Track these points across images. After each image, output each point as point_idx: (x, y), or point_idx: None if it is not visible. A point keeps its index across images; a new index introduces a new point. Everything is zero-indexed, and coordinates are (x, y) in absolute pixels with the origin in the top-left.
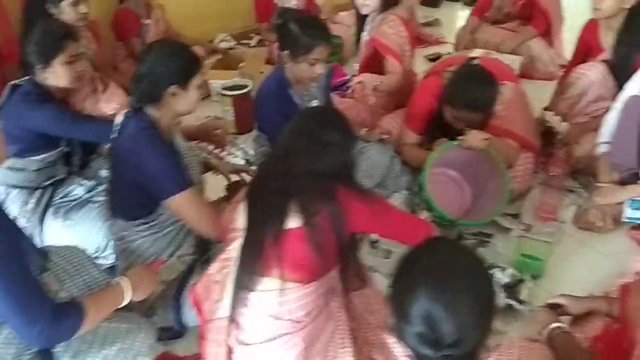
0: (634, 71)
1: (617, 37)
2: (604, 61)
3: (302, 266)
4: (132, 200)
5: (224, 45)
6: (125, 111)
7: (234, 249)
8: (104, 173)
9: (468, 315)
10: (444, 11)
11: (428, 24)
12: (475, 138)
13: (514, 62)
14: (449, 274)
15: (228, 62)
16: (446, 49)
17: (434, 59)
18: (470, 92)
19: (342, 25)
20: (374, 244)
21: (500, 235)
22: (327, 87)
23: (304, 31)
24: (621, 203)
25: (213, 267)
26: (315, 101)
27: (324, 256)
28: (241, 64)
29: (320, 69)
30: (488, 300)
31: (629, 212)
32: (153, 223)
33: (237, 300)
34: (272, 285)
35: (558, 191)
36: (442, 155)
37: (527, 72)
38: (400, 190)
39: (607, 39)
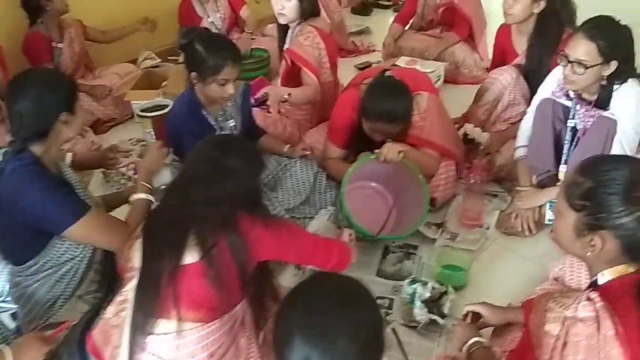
0: (547, 75)
1: (529, 42)
2: (518, 65)
3: (202, 304)
4: (19, 243)
5: (148, 63)
6: (2, 151)
7: (130, 290)
8: None
9: (350, 357)
10: (375, 19)
11: (359, 33)
12: (390, 151)
13: (438, 68)
14: (326, 317)
15: (151, 81)
16: (376, 58)
17: (363, 68)
18: (383, 104)
19: (269, 37)
20: (299, 265)
21: (425, 246)
22: (244, 105)
23: (210, 51)
24: (543, 206)
25: (109, 311)
26: (231, 121)
27: (226, 291)
28: (164, 83)
29: (231, 89)
30: (373, 337)
31: (550, 215)
32: (46, 263)
33: (135, 345)
34: (169, 327)
35: (480, 197)
36: (359, 170)
37: (453, 78)
38: (327, 206)
39: (521, 43)
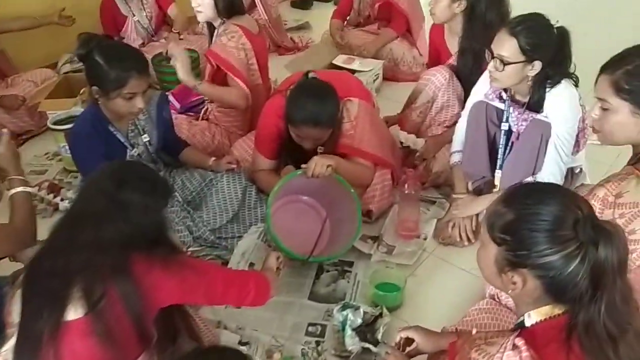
0: (479, 77)
1: (459, 44)
2: (451, 65)
3: None
4: None
5: (68, 67)
6: None
7: (8, 350)
8: None
9: None
10: (315, 13)
11: (298, 28)
12: (318, 165)
13: (376, 67)
14: None
15: (72, 88)
16: None
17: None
18: (306, 106)
19: (200, 36)
20: None
21: (362, 262)
22: (160, 116)
23: (112, 63)
24: (480, 213)
25: None
26: (145, 136)
27: (119, 348)
28: (82, 90)
29: (140, 103)
30: None
31: None
32: None
33: None
34: None
35: (416, 206)
36: (286, 187)
37: (392, 75)
38: (258, 222)
39: (454, 43)
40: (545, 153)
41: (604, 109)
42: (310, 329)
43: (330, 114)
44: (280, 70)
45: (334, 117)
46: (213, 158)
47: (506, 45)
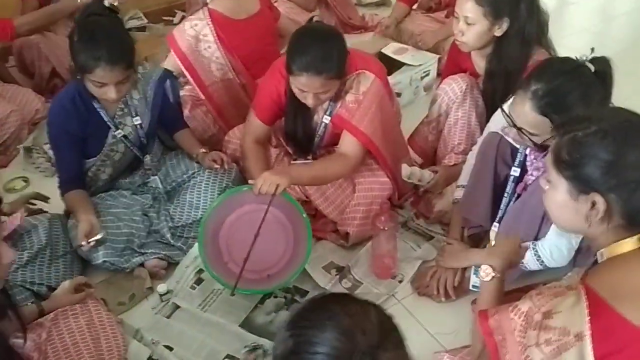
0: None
1: (486, 65)
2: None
3: None
4: None
5: (132, 24)
6: None
7: None
8: None
9: None
10: None
11: (377, 4)
12: (266, 183)
13: (427, 62)
14: None
15: None
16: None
17: None
18: (309, 49)
19: None
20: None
21: (317, 292)
22: (156, 98)
23: (83, 45)
24: (468, 268)
25: None
26: (136, 118)
27: None
28: None
29: (112, 94)
30: None
31: (475, 280)
32: None
33: None
34: None
35: (393, 241)
36: (229, 201)
37: None
38: None
39: (481, 63)
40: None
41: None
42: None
43: (336, 60)
44: None
45: (341, 66)
46: (202, 149)
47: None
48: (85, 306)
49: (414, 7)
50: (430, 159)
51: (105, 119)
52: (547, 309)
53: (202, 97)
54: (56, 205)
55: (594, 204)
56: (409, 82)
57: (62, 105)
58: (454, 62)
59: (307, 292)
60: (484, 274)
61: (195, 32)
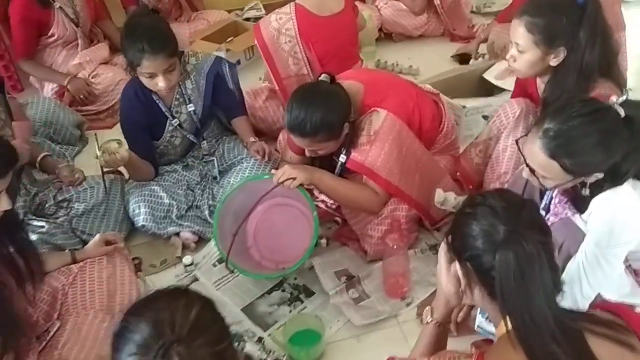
0: None
1: (544, 94)
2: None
3: None
4: None
5: (250, 14)
6: None
7: None
8: None
9: None
10: None
11: (495, 13)
12: (285, 175)
13: None
14: None
15: (236, 33)
16: (483, 49)
17: (461, 57)
18: (292, 112)
19: None
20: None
21: (319, 299)
22: (209, 85)
23: (129, 40)
24: (474, 307)
25: None
26: (190, 105)
27: None
28: (229, 38)
29: (162, 83)
30: None
31: (480, 320)
32: None
33: None
34: None
35: (404, 262)
36: (250, 186)
37: None
38: None
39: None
40: (561, 268)
41: None
42: None
43: (318, 124)
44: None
45: (326, 128)
46: (252, 138)
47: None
48: (112, 260)
49: None
50: (475, 184)
51: (163, 109)
52: None
53: (277, 88)
54: None
55: None
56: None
57: (128, 97)
58: (521, 85)
59: (314, 293)
60: (424, 315)
61: (278, 25)
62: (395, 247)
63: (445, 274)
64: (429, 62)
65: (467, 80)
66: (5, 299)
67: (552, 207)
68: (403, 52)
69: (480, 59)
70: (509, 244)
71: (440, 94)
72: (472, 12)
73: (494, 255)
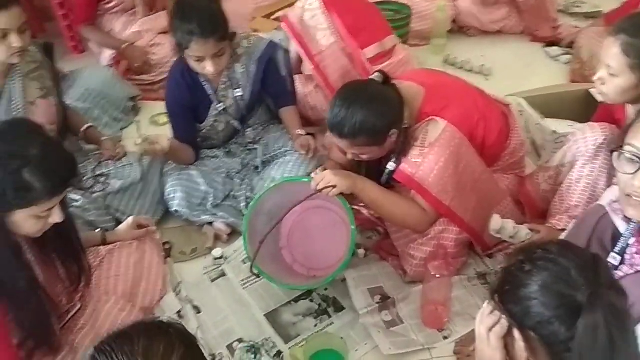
0: None
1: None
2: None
3: None
4: None
5: None
6: None
7: None
8: None
9: None
10: None
11: (588, 16)
12: (324, 181)
13: None
14: None
15: None
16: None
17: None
18: (333, 111)
19: None
20: None
21: (348, 316)
22: (259, 71)
23: (179, 21)
24: None
25: None
26: (238, 90)
27: None
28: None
29: (210, 67)
30: None
31: None
32: None
33: None
34: None
35: (445, 291)
36: (286, 187)
37: None
38: None
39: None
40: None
41: None
42: (235, 344)
43: (357, 127)
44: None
45: (367, 132)
46: (299, 131)
47: None
48: (143, 245)
49: None
50: (539, 213)
51: (209, 92)
52: None
53: (311, 66)
54: None
55: None
56: None
57: (175, 78)
58: (607, 108)
59: (344, 308)
60: None
61: (302, 4)
62: (437, 275)
63: (488, 341)
64: (504, 63)
65: (570, 100)
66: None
67: (627, 256)
68: (476, 48)
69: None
70: (594, 309)
71: (512, 105)
72: (559, 11)
73: (572, 323)
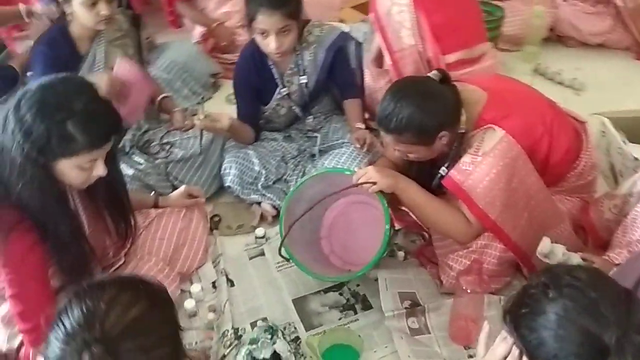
0: None
1: None
2: None
3: None
4: None
5: None
6: None
7: None
8: None
9: None
10: None
11: None
12: (365, 177)
13: None
14: None
15: None
16: None
17: None
18: (382, 104)
19: None
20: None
21: (374, 315)
22: (327, 59)
23: None
24: None
25: None
26: (303, 77)
27: None
28: None
29: (273, 44)
30: None
31: None
32: None
33: None
34: None
35: (476, 308)
36: (328, 177)
37: None
38: None
39: None
40: None
41: None
42: (260, 322)
43: (403, 123)
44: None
45: (413, 130)
46: (358, 124)
47: None
48: (190, 214)
49: None
50: (601, 243)
51: (275, 76)
52: None
53: (390, 61)
54: None
55: None
56: None
57: (245, 58)
58: None
59: (371, 307)
60: None
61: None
62: (469, 290)
63: None
64: (600, 79)
65: None
66: (82, 236)
67: None
68: (572, 60)
69: None
70: (623, 355)
71: (588, 123)
72: None
73: None
